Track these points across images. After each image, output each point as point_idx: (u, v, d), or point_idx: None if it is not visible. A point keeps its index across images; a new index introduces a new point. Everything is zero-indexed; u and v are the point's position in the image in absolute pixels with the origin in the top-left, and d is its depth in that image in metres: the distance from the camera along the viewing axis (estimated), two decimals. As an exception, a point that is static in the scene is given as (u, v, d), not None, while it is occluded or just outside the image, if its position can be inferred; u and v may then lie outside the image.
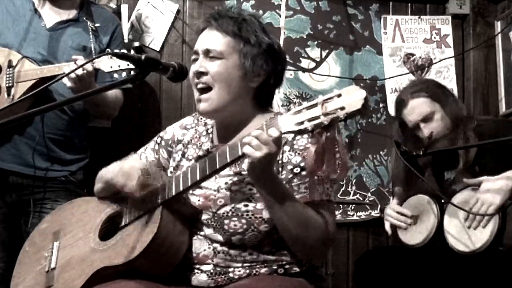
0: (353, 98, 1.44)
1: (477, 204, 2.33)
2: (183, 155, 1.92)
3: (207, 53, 1.82)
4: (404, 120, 2.72)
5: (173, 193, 1.74)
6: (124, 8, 3.23)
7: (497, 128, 2.61)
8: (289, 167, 1.74)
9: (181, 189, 1.73)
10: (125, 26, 3.19)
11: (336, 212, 3.33)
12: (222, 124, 1.89)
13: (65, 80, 2.44)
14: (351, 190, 3.40)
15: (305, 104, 1.52)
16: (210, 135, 1.92)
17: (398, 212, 2.63)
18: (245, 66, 1.80)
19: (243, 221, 1.72)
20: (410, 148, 2.59)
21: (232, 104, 1.81)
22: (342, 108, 1.45)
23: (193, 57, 1.87)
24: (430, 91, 2.69)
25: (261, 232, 1.73)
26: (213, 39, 1.82)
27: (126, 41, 3.09)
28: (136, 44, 3.18)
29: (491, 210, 2.29)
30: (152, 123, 3.29)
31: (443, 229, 2.45)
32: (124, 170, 1.79)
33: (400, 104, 2.73)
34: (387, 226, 2.68)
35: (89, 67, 2.42)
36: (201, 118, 1.98)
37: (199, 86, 1.82)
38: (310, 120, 1.49)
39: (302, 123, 1.51)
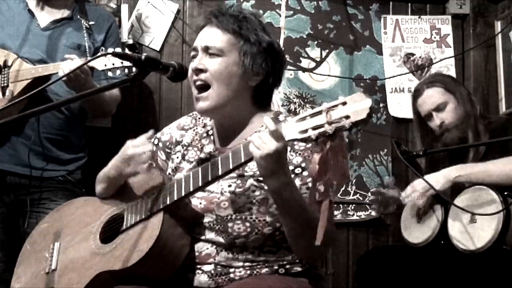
0: (359, 106, 1.39)
1: (407, 188, 2.53)
2: (183, 157, 1.89)
3: (206, 50, 1.79)
4: (419, 110, 2.81)
5: (175, 198, 1.72)
6: (124, 8, 3.22)
7: (506, 126, 2.62)
8: (290, 168, 1.71)
9: (183, 194, 1.71)
10: (125, 26, 3.19)
11: (336, 212, 3.33)
12: (221, 125, 1.87)
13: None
14: (351, 190, 3.40)
15: (309, 111, 1.47)
16: (211, 137, 1.88)
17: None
18: (244, 64, 1.78)
19: (247, 224, 1.71)
20: (428, 141, 2.70)
21: (231, 102, 1.79)
22: (347, 117, 1.39)
23: (192, 53, 1.84)
24: (445, 82, 2.79)
25: (265, 234, 1.72)
26: (213, 36, 1.80)
27: (125, 40, 3.09)
28: (130, 41, 3.16)
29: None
30: (152, 123, 3.28)
31: (446, 228, 2.45)
32: (125, 157, 1.81)
33: (416, 93, 2.83)
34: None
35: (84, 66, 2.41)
36: (199, 119, 1.95)
37: (198, 83, 1.80)
38: (314, 128, 1.45)
39: (306, 131, 1.46)
